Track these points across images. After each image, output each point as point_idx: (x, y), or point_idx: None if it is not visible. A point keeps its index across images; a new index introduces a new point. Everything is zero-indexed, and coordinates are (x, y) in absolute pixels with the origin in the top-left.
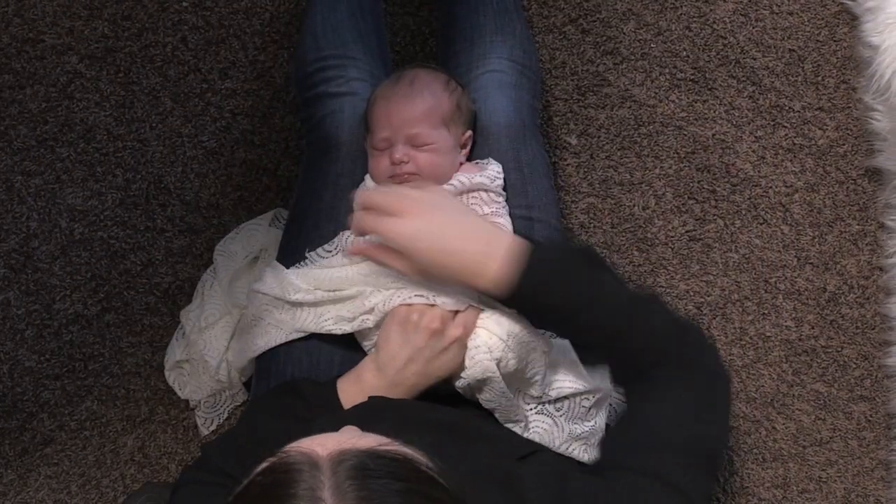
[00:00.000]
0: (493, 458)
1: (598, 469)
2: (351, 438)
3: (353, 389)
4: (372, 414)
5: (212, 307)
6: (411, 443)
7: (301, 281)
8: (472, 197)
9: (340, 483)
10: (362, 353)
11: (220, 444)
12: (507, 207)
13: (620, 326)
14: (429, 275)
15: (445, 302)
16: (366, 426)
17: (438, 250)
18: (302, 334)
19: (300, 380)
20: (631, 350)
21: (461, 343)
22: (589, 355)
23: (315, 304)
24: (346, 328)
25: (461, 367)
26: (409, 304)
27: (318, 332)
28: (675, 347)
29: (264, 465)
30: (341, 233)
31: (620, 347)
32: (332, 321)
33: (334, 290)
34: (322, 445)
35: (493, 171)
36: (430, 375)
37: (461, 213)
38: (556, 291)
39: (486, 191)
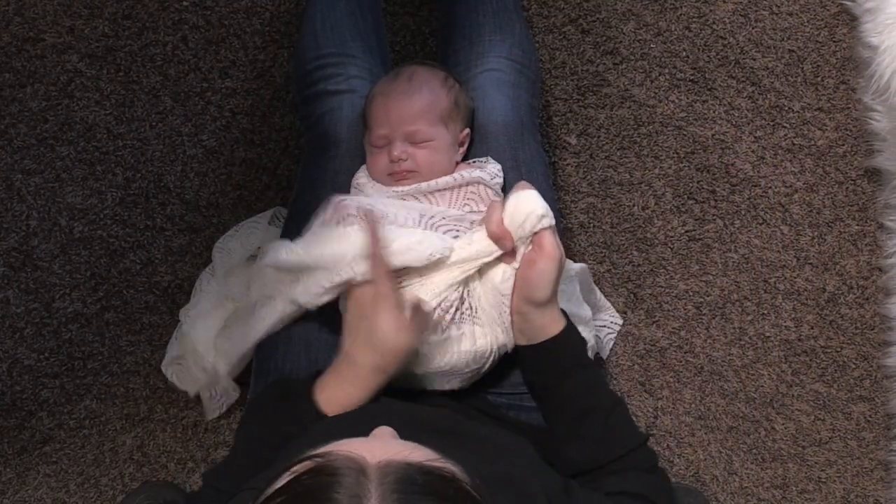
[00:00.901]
0: (499, 462)
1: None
2: (403, 449)
3: (331, 388)
4: (373, 419)
5: (205, 299)
6: (458, 461)
7: (300, 246)
8: (470, 192)
9: (386, 495)
10: None
11: (221, 470)
12: None
13: (614, 396)
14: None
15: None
16: (369, 430)
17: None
18: (297, 310)
19: (284, 384)
20: (596, 436)
21: (386, 305)
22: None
23: (309, 269)
24: (332, 295)
25: (401, 336)
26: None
27: (311, 302)
28: (636, 454)
29: (309, 464)
30: (337, 200)
31: (588, 428)
32: (322, 289)
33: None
34: (370, 452)
35: (493, 169)
36: (378, 349)
37: None
38: (574, 352)
39: (484, 185)
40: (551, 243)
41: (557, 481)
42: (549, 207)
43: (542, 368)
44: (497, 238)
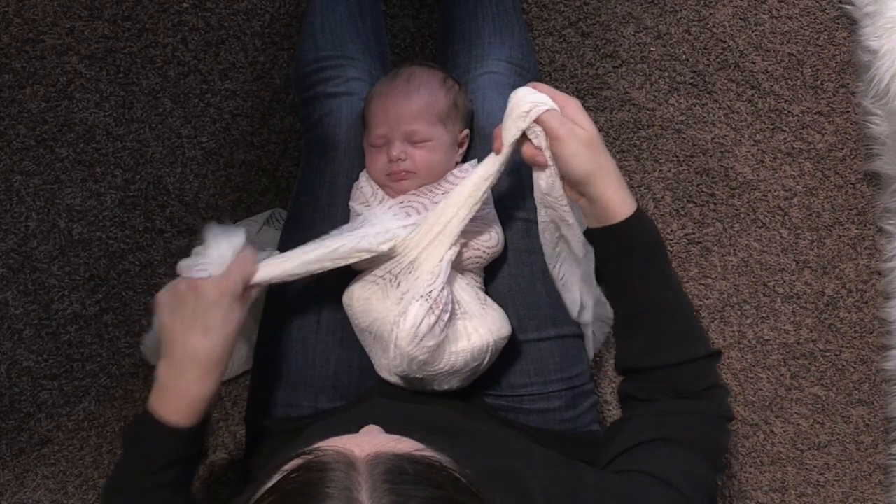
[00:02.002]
0: (496, 459)
1: (608, 468)
2: (389, 441)
3: (160, 394)
4: (369, 416)
5: None
6: (443, 450)
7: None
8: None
9: (377, 485)
10: (358, 353)
11: None
12: (494, 212)
13: (684, 300)
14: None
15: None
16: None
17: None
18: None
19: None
20: (665, 338)
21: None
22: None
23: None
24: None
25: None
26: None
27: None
28: (702, 371)
29: (298, 461)
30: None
31: (660, 327)
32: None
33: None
34: (359, 446)
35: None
36: (210, 330)
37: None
38: (649, 235)
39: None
40: (553, 125)
41: (563, 484)
42: (540, 98)
43: (608, 253)
44: (498, 148)
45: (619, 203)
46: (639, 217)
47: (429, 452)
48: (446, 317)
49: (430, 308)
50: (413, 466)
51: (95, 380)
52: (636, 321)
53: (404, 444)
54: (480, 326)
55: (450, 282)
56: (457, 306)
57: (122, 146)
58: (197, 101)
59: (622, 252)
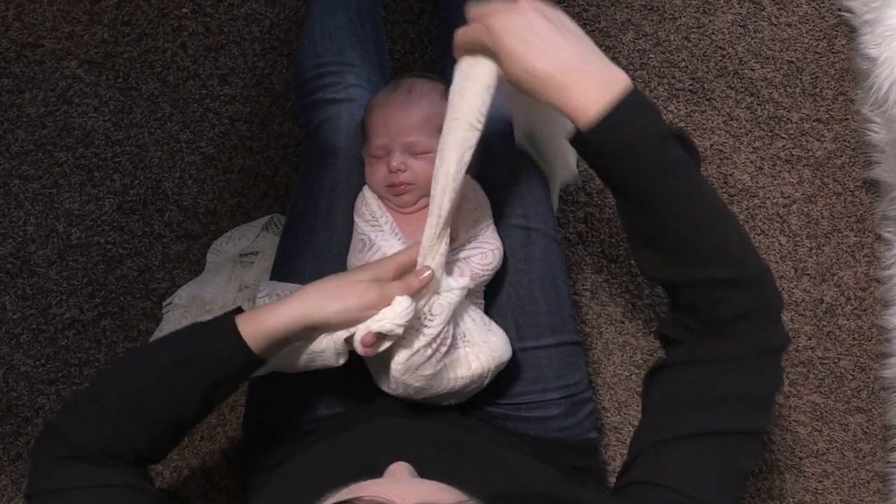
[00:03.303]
0: (499, 480)
1: (618, 487)
2: (433, 492)
3: (249, 315)
4: (373, 440)
5: (181, 292)
6: (483, 498)
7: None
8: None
9: None
10: (357, 360)
11: (82, 416)
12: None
13: (698, 212)
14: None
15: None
16: (381, 452)
17: (543, 46)
18: None
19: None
20: (703, 268)
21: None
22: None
23: None
24: None
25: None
26: None
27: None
28: (754, 297)
29: None
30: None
31: (692, 253)
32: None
33: None
34: (400, 496)
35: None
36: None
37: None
38: (654, 140)
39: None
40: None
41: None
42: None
43: (590, 163)
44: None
45: (579, 103)
46: (613, 116)
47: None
48: (444, 349)
49: (429, 343)
50: None
51: None
52: (639, 232)
53: (447, 496)
54: (482, 354)
55: (458, 312)
56: (460, 337)
57: (120, 151)
58: (196, 107)
59: (601, 163)
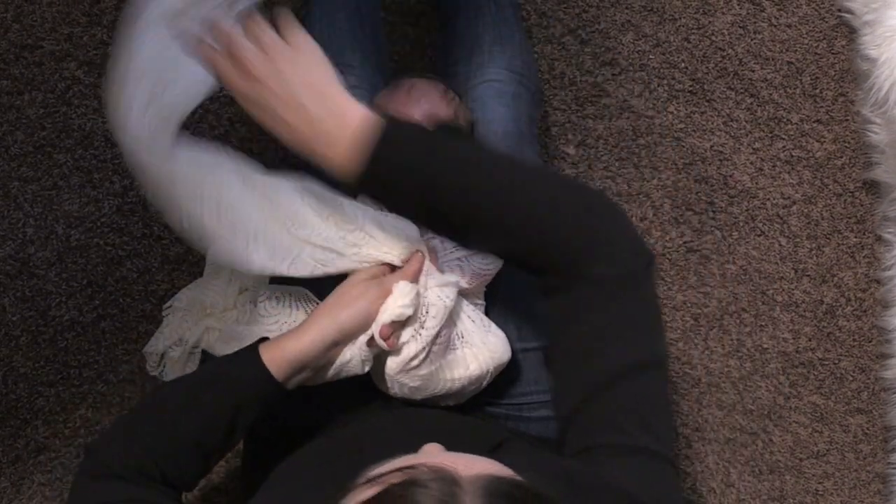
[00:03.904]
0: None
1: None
2: (489, 465)
3: (273, 343)
4: (378, 430)
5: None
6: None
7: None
8: None
9: None
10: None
11: (117, 438)
12: None
13: (501, 198)
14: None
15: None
16: (380, 445)
17: (277, 120)
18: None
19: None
20: (525, 235)
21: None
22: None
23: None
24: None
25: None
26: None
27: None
28: (584, 233)
29: (398, 475)
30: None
31: (509, 230)
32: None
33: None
34: (463, 465)
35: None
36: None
37: (310, 82)
38: (418, 158)
39: None
40: None
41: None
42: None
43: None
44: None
45: (333, 164)
46: (370, 164)
47: (524, 479)
48: (441, 349)
49: (425, 347)
50: (518, 492)
51: (93, 387)
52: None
53: (503, 469)
54: (480, 355)
55: (455, 312)
56: (458, 337)
57: (120, 153)
58: (195, 108)
59: (388, 198)
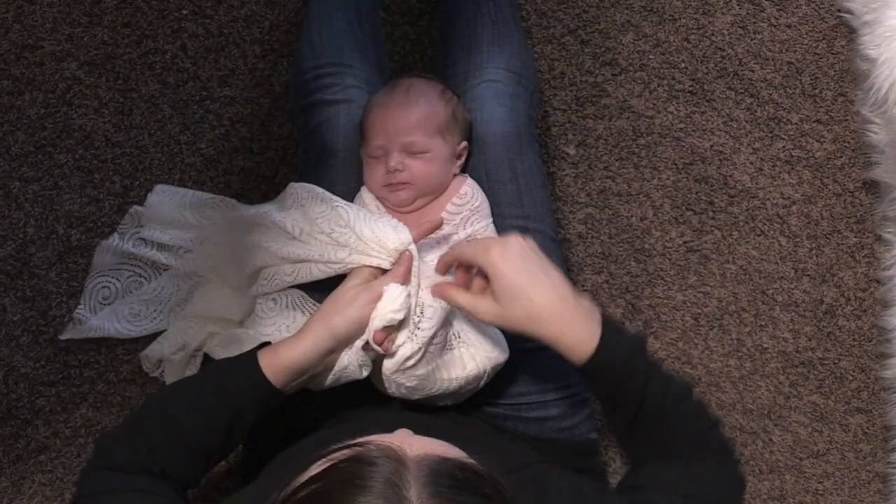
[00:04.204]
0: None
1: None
2: (437, 445)
3: (272, 349)
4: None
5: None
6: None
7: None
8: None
9: (425, 485)
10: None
11: (123, 435)
12: (492, 227)
13: (667, 407)
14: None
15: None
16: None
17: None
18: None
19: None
20: (671, 432)
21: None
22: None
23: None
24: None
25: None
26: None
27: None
28: (708, 439)
29: (347, 452)
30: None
31: (662, 427)
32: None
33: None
34: (408, 445)
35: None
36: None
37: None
38: (631, 359)
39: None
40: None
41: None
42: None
43: (599, 389)
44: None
45: (574, 343)
46: (602, 351)
47: (473, 461)
48: (438, 350)
49: (421, 348)
50: (462, 473)
51: (93, 386)
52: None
53: (452, 451)
54: (477, 355)
55: (451, 311)
56: (454, 337)
57: (120, 152)
58: (196, 108)
59: (597, 388)
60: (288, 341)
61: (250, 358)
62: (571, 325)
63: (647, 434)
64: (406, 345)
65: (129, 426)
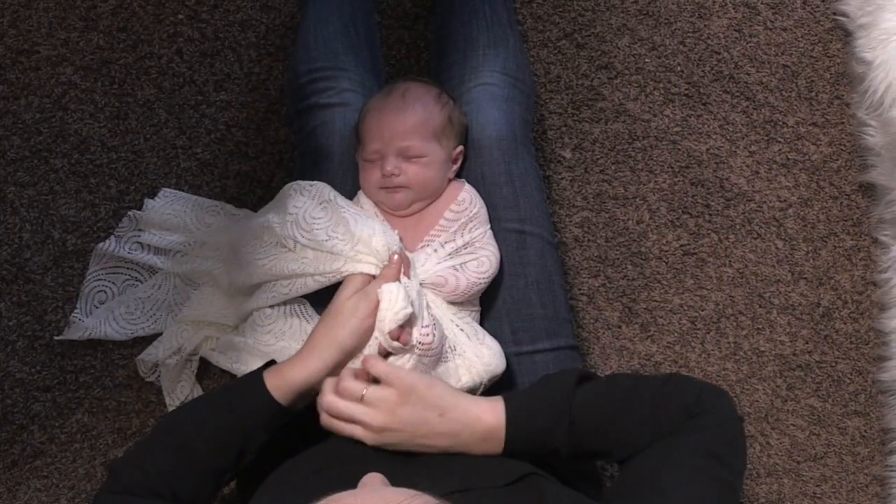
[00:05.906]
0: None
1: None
2: (402, 499)
3: (278, 368)
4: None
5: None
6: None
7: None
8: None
9: None
10: None
11: (133, 459)
12: (490, 234)
13: (609, 424)
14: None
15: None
16: (373, 467)
17: (423, 447)
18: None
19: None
20: (636, 436)
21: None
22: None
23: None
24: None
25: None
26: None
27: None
28: (678, 419)
29: None
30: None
31: (623, 439)
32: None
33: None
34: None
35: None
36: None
37: (435, 408)
38: (544, 426)
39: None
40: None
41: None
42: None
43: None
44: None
45: (481, 414)
46: (511, 418)
47: None
48: (432, 361)
49: (419, 356)
50: None
51: (89, 391)
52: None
53: (417, 501)
54: (473, 367)
55: (448, 320)
56: (450, 349)
57: (116, 157)
58: (192, 112)
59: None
60: (294, 361)
61: (256, 382)
62: (472, 447)
63: (601, 447)
64: (402, 356)
65: (140, 450)
